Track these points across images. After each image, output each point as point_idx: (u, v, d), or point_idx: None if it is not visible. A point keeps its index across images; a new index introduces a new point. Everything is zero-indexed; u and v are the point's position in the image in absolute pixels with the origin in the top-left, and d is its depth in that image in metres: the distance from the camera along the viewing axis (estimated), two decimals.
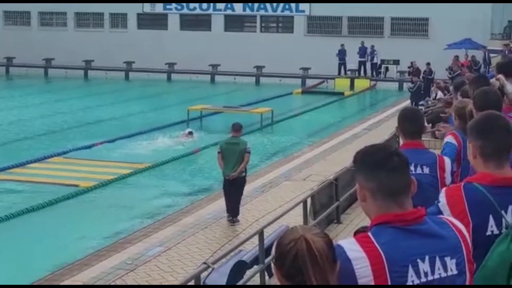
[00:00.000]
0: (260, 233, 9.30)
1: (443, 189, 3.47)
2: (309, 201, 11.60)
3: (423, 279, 2.72)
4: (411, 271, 2.71)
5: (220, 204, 14.73)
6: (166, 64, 46.50)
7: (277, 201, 14.89)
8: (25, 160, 20.15)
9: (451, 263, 2.78)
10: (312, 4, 45.52)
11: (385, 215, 2.77)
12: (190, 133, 24.60)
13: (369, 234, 2.76)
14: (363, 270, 2.67)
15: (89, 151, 22.06)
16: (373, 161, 2.83)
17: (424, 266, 2.73)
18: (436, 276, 2.75)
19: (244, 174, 13.65)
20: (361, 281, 2.66)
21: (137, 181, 18.37)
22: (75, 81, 44.65)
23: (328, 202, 12.50)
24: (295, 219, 11.95)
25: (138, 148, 22.64)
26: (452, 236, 2.82)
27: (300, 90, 40.24)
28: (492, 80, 6.76)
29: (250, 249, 10.22)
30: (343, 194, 12.90)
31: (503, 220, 3.26)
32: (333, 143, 22.03)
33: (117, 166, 19.88)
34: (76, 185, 17.43)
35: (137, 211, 15.67)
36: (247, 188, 15.18)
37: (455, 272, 2.78)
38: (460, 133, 5.79)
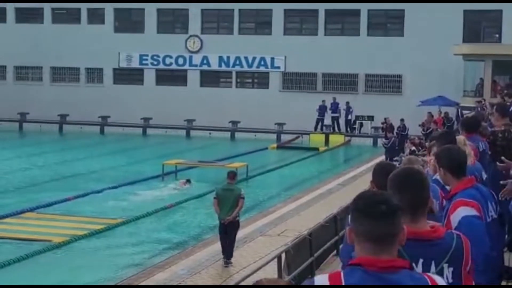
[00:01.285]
0: None
1: None
2: (283, 256, 11.59)
3: None
4: None
5: (195, 259, 14.67)
6: (141, 118, 46.58)
7: (251, 256, 14.84)
8: None
9: None
10: (287, 60, 46.04)
11: (360, 258, 2.91)
12: (188, 181, 24.95)
13: (342, 272, 2.92)
14: None
15: (62, 205, 21.89)
16: (361, 207, 2.97)
17: None
18: None
19: (237, 218, 14.63)
20: None
21: (110, 236, 18.21)
22: (50, 135, 44.51)
23: (302, 257, 12.48)
24: (269, 274, 11.88)
25: (112, 203, 22.50)
26: None
27: (275, 145, 40.40)
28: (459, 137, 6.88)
29: None
30: (317, 250, 12.90)
31: None
32: (307, 198, 22.07)
33: (90, 221, 19.73)
34: (49, 240, 17.25)
35: (110, 266, 15.51)
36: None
37: None
38: None
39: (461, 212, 4.64)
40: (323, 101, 43.83)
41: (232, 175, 15.02)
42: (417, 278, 2.93)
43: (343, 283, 2.84)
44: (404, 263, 2.93)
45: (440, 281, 3.01)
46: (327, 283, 2.87)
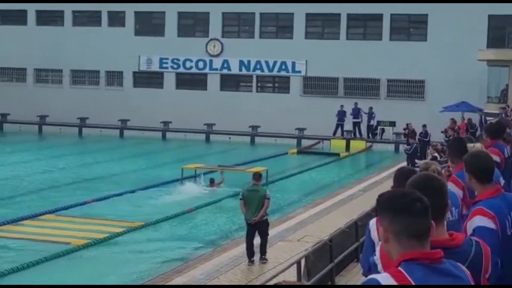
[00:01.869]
0: None
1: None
2: (303, 262, 11.60)
3: None
4: None
5: (214, 263, 14.72)
6: (161, 122, 46.75)
7: (271, 262, 14.86)
8: (17, 216, 20.10)
9: None
10: (309, 65, 46.04)
11: (413, 253, 3.03)
12: (212, 181, 26.05)
13: (400, 269, 2.99)
14: None
15: (81, 208, 22.05)
16: (398, 206, 3.07)
17: None
18: None
19: (266, 217, 15.15)
20: None
21: (129, 240, 18.31)
22: (69, 138, 44.81)
23: (322, 263, 12.49)
24: (288, 280, 11.90)
25: (131, 206, 22.63)
26: (465, 277, 3.10)
27: (295, 150, 40.39)
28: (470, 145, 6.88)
29: None
30: (337, 256, 12.90)
31: None
32: (328, 204, 22.05)
33: (109, 224, 19.86)
34: (68, 243, 17.38)
35: (128, 270, 15.60)
36: (240, 249, 15.48)
37: None
38: None
39: (477, 221, 4.62)
40: (342, 106, 43.78)
41: (257, 176, 15.69)
42: (455, 265, 3.12)
43: (409, 279, 2.93)
44: (442, 253, 3.10)
45: (464, 267, 3.19)
46: (393, 282, 2.93)
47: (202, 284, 13.37)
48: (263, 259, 14.86)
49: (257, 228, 14.90)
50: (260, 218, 14.83)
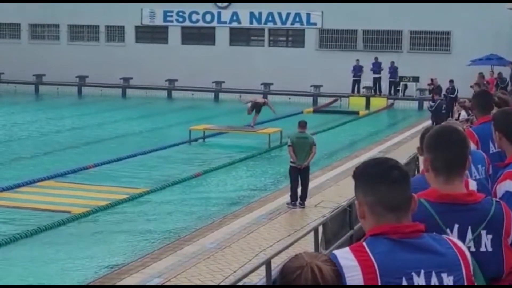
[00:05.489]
0: (268, 264, 9.28)
1: None
2: (320, 229, 11.60)
3: None
4: (404, 284, 2.84)
5: (225, 231, 14.77)
6: (166, 80, 46.70)
7: (286, 229, 14.91)
8: (14, 183, 20.20)
9: (448, 280, 2.90)
10: (325, 16, 45.72)
11: (381, 226, 2.92)
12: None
13: (364, 243, 2.92)
14: (354, 279, 2.82)
15: (82, 173, 22.13)
16: (373, 175, 2.97)
17: (418, 280, 2.86)
18: None
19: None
20: None
21: (134, 207, 18.39)
22: (68, 98, 44.86)
23: (341, 230, 12.49)
24: (305, 248, 11.93)
25: (135, 171, 22.69)
26: (450, 253, 2.95)
27: (311, 109, 40.32)
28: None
29: (257, 281, 10.22)
30: (357, 222, 12.89)
31: None
32: (347, 167, 22.01)
33: (112, 191, 19.93)
34: (68, 211, 17.47)
35: (133, 239, 15.68)
36: (253, 216, 15.79)
37: None
38: None
39: (508, 185, 4.52)
40: (357, 60, 43.57)
41: (303, 123, 17.52)
42: (440, 240, 2.98)
43: (370, 255, 2.85)
44: (422, 226, 2.97)
45: (459, 243, 3.05)
46: (351, 256, 2.85)
47: (213, 253, 13.44)
48: (302, 204, 16.69)
49: (301, 173, 16.82)
50: (309, 163, 17.02)
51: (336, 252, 2.91)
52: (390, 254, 2.85)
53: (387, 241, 2.89)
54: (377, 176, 2.96)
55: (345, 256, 2.86)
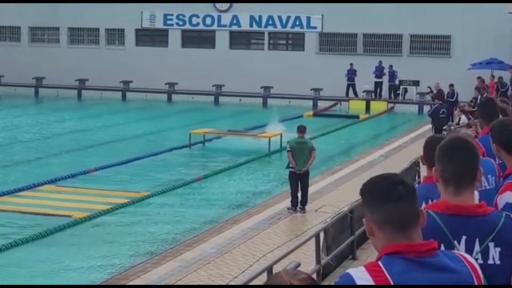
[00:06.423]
0: (269, 271, 9.29)
1: None
2: (321, 235, 11.60)
3: None
4: None
5: (225, 237, 14.76)
6: (166, 84, 46.69)
7: (286, 234, 14.90)
8: (14, 187, 20.17)
9: None
10: (325, 20, 45.73)
11: (396, 245, 2.89)
12: None
13: (379, 263, 2.88)
14: None
15: (83, 178, 22.10)
16: (378, 192, 2.96)
17: None
18: None
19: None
20: None
21: (134, 212, 18.37)
22: (68, 102, 44.85)
23: (342, 236, 12.50)
24: (306, 254, 11.94)
25: (135, 175, 22.68)
26: (464, 271, 2.93)
27: (311, 112, 40.33)
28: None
29: None
30: (358, 228, 12.90)
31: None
32: (347, 171, 22.05)
33: (112, 195, 19.91)
34: (69, 216, 17.45)
35: (133, 244, 15.66)
36: (253, 221, 15.85)
37: None
38: None
39: (508, 197, 4.49)
40: (351, 64, 43.57)
41: (302, 128, 17.58)
42: (453, 257, 2.97)
43: (386, 275, 2.82)
44: (436, 244, 2.95)
45: (470, 258, 3.04)
46: (367, 277, 2.83)
47: (213, 258, 13.43)
48: (303, 209, 16.70)
49: (301, 178, 16.80)
50: (308, 167, 17.00)
51: (351, 271, 2.88)
52: (407, 275, 2.83)
53: (403, 260, 2.86)
54: (382, 194, 2.94)
55: (361, 276, 2.83)
